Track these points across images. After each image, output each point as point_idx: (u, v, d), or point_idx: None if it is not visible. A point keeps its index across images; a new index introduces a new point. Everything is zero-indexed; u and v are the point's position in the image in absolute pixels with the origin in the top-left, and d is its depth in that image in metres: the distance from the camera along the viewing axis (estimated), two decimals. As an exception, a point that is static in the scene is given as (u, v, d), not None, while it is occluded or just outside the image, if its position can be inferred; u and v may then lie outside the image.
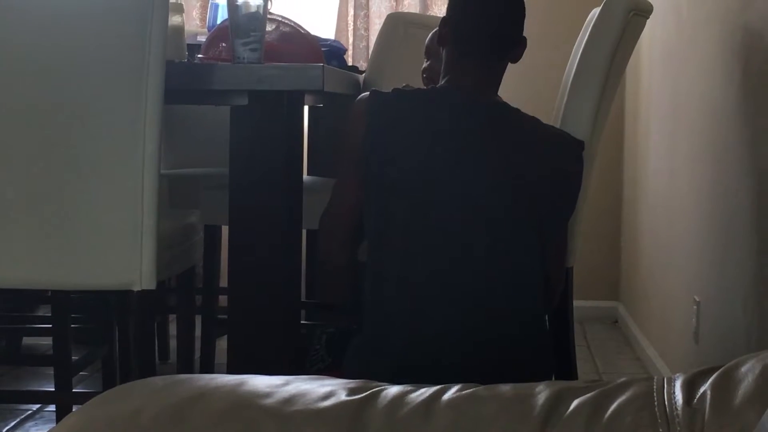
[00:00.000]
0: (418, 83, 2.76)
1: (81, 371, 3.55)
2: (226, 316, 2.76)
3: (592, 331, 4.92)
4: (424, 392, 1.29)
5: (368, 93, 2.43)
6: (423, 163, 2.31)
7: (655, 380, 1.27)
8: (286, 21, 2.96)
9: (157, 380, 1.37)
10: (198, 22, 5.11)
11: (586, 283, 4.73)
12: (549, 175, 2.35)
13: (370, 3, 5.14)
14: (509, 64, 2.52)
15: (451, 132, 2.35)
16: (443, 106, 2.39)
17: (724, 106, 2.89)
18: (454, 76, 2.42)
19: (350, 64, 4.59)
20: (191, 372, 3.56)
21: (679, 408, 1.19)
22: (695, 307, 3.19)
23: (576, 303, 2.81)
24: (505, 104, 2.47)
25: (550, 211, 2.37)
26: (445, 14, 2.47)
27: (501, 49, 2.44)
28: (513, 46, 2.46)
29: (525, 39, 2.48)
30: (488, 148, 2.35)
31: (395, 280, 2.30)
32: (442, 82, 2.45)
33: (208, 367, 3.66)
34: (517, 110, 2.49)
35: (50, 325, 3.24)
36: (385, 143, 2.33)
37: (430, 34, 2.82)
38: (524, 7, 2.48)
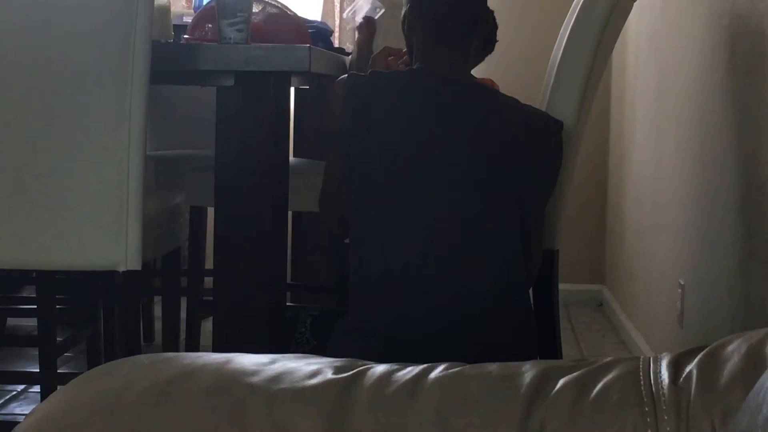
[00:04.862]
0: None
1: (66, 352, 3.55)
2: (211, 298, 2.76)
3: (576, 315, 4.94)
4: (411, 371, 1.30)
5: (345, 75, 2.43)
6: (400, 144, 2.32)
7: (641, 360, 1.28)
8: (273, 2, 2.95)
9: (143, 358, 1.37)
10: (184, 3, 5.08)
11: (571, 267, 4.75)
12: (527, 154, 2.36)
13: (357, -15, 5.13)
14: (494, 53, 2.53)
15: (428, 112, 2.35)
16: (420, 87, 2.39)
17: (710, 89, 2.90)
18: (427, 60, 2.43)
19: (336, 45, 4.58)
20: (176, 353, 3.55)
21: (665, 387, 1.20)
22: (680, 290, 3.20)
23: (561, 286, 2.81)
24: (482, 84, 2.48)
25: (529, 189, 2.37)
26: (408, 2, 2.47)
27: (470, 29, 2.45)
28: (481, 23, 2.47)
29: (489, 10, 2.49)
30: (465, 128, 2.35)
31: (377, 261, 2.30)
32: (415, 66, 2.46)
33: (193, 349, 3.65)
34: (495, 90, 2.50)
35: (35, 306, 3.23)
36: (363, 125, 2.33)
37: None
38: None
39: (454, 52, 2.42)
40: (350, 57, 3.35)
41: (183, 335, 3.70)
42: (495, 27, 2.52)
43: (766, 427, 0.95)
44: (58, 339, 3.20)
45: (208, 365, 1.30)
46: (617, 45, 2.90)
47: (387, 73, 2.46)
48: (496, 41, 2.53)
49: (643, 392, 1.19)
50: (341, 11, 5.13)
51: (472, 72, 2.50)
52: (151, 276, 4.10)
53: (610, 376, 1.23)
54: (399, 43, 2.69)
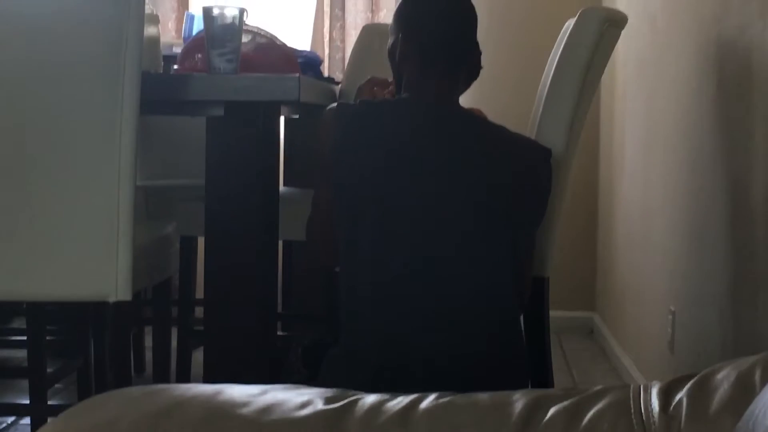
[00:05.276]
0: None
1: (56, 383, 3.53)
2: (202, 328, 2.75)
3: (568, 342, 4.93)
4: (401, 401, 1.29)
5: (335, 104, 2.44)
6: (390, 172, 2.32)
7: (631, 388, 1.28)
8: (262, 32, 2.96)
9: (133, 390, 1.37)
10: (173, 33, 5.11)
11: (562, 294, 4.74)
12: (516, 182, 2.37)
13: (346, 14, 5.14)
14: (483, 80, 2.55)
15: (417, 141, 2.36)
16: (409, 115, 2.40)
17: (699, 117, 2.91)
18: (417, 89, 2.44)
19: (326, 75, 4.60)
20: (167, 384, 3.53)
21: (655, 415, 1.20)
22: (670, 317, 3.20)
23: (552, 313, 2.81)
24: (471, 113, 2.49)
25: (519, 216, 2.38)
26: (400, 31, 2.47)
27: (460, 59, 2.47)
28: (469, 54, 2.48)
29: (477, 44, 2.51)
30: (455, 156, 2.36)
31: (368, 291, 2.30)
32: (403, 95, 2.47)
33: (184, 379, 3.64)
34: (484, 118, 2.51)
35: (25, 337, 3.22)
36: (353, 154, 2.34)
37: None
38: (476, 15, 2.50)
39: (444, 80, 2.44)
40: (341, 85, 3.36)
41: (174, 365, 3.68)
42: (479, 53, 2.53)
43: (756, 455, 0.95)
44: (48, 370, 3.19)
45: (199, 397, 1.30)
46: (606, 72, 2.91)
47: (376, 102, 2.47)
48: (480, 67, 2.55)
49: (634, 421, 1.20)
50: (331, 41, 5.14)
51: (460, 100, 2.51)
52: (142, 306, 4.09)
53: (600, 405, 1.23)
54: (384, 72, 2.69)
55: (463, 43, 2.47)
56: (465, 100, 2.53)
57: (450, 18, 2.46)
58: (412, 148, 2.35)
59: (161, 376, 3.46)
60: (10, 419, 3.52)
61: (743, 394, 1.18)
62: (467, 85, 2.56)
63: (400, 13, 2.50)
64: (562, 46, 2.67)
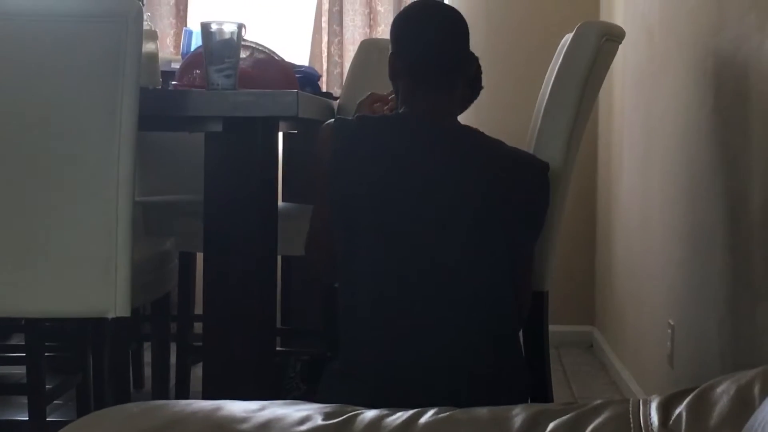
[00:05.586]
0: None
1: (55, 400, 3.52)
2: (201, 344, 2.75)
3: (567, 356, 4.93)
4: (401, 416, 1.29)
5: (333, 120, 2.44)
6: (387, 187, 2.32)
7: (630, 402, 1.28)
8: (260, 47, 2.96)
9: (132, 406, 1.37)
10: (172, 49, 5.11)
11: (561, 308, 4.74)
12: (514, 195, 2.37)
13: (344, 29, 5.15)
14: (480, 96, 2.55)
15: (414, 156, 2.36)
16: (406, 131, 2.41)
17: (697, 130, 2.91)
18: (413, 104, 2.44)
19: (324, 90, 4.61)
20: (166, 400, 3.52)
21: (655, 429, 1.20)
22: (670, 330, 3.20)
23: (551, 328, 2.81)
24: (468, 127, 2.49)
25: (517, 230, 2.38)
26: (392, 48, 2.48)
27: (454, 73, 2.47)
28: (464, 66, 2.49)
29: (473, 55, 2.51)
30: (452, 171, 2.36)
31: (367, 306, 2.30)
32: (400, 111, 2.47)
33: (183, 395, 3.63)
34: (480, 133, 2.51)
35: (24, 354, 3.21)
36: (350, 169, 2.34)
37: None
38: (467, 27, 2.50)
39: (439, 96, 2.44)
40: (339, 100, 3.36)
41: (173, 381, 3.68)
42: (480, 72, 2.53)
43: (756, 469, 0.95)
44: (47, 386, 3.18)
45: (198, 413, 1.30)
46: (604, 86, 2.91)
47: (374, 118, 2.47)
48: (481, 87, 2.55)
49: (633, 435, 1.20)
50: (329, 56, 5.15)
51: (460, 118, 2.51)
52: (141, 322, 4.09)
53: (600, 420, 1.23)
54: (382, 87, 2.70)
55: (456, 56, 2.47)
56: (464, 116, 2.53)
57: (439, 32, 2.46)
58: (409, 162, 2.35)
59: (160, 392, 3.45)
60: (9, 436, 3.52)
61: (742, 408, 1.18)
62: (468, 103, 2.55)
63: (392, 30, 2.51)
64: (560, 61, 2.68)
